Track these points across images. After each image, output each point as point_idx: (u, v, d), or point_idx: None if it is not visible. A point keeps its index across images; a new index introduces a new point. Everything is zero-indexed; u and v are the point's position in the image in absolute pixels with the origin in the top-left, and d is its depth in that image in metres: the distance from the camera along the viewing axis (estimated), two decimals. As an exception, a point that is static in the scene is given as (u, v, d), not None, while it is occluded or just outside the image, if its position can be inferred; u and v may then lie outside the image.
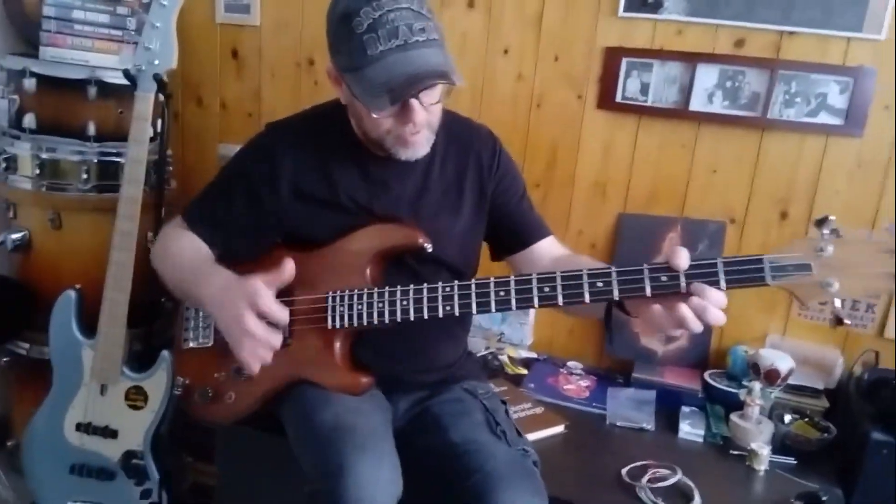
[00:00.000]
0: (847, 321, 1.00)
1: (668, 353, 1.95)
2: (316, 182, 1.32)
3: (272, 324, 1.16)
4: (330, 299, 1.26)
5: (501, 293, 1.14)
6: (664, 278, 1.02)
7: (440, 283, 1.18)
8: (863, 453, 1.47)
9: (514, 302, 1.13)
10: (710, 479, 1.48)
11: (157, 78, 1.66)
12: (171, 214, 1.68)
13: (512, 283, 1.13)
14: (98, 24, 1.94)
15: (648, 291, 1.03)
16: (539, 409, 1.72)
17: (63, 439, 1.69)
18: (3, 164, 1.91)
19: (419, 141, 1.22)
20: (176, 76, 2.21)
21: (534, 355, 2.07)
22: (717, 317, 0.99)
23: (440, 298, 1.18)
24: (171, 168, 2.04)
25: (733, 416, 1.66)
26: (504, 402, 1.42)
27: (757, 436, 1.60)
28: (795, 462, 1.58)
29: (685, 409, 1.76)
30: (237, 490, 1.61)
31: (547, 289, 1.10)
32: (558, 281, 1.10)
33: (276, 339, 1.17)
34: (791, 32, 1.77)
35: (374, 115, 1.16)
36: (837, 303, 0.98)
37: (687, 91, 1.86)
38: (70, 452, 1.69)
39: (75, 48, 1.91)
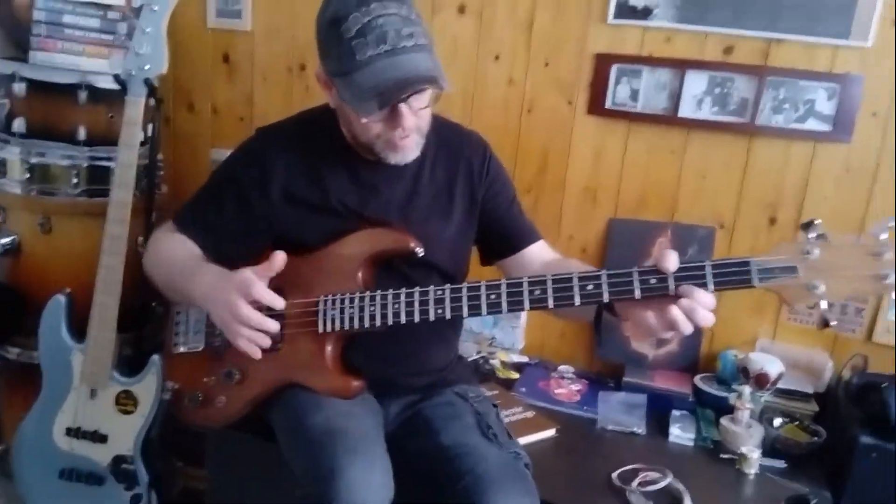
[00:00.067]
0: (833, 323, 1.01)
1: (659, 357, 1.96)
2: (306, 186, 1.32)
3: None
4: (321, 303, 1.26)
5: (492, 296, 1.14)
6: (653, 281, 1.04)
7: (431, 287, 1.19)
8: (851, 457, 1.48)
9: (504, 305, 1.14)
10: (700, 482, 1.49)
11: (147, 83, 1.66)
12: (162, 219, 1.68)
13: (503, 286, 1.14)
14: (89, 28, 1.93)
15: (638, 294, 1.04)
16: (530, 413, 1.73)
17: (52, 444, 1.68)
18: (-7, 169, 1.91)
19: (408, 145, 1.23)
20: (167, 81, 2.22)
21: (525, 359, 2.07)
22: (706, 318, 1.01)
23: (431, 302, 1.18)
24: (161, 172, 2.04)
25: (723, 420, 1.67)
26: (495, 406, 1.43)
27: (747, 439, 1.61)
28: (785, 465, 1.58)
29: (675, 412, 1.76)
30: (228, 494, 1.61)
31: (538, 291, 1.11)
32: (549, 284, 1.10)
33: (273, 325, 1.18)
34: (779, 40, 1.79)
35: (364, 120, 1.17)
36: (824, 305, 0.99)
37: (676, 97, 1.87)
38: (59, 457, 1.68)
39: (66, 52, 1.90)
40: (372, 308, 1.22)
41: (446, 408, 1.36)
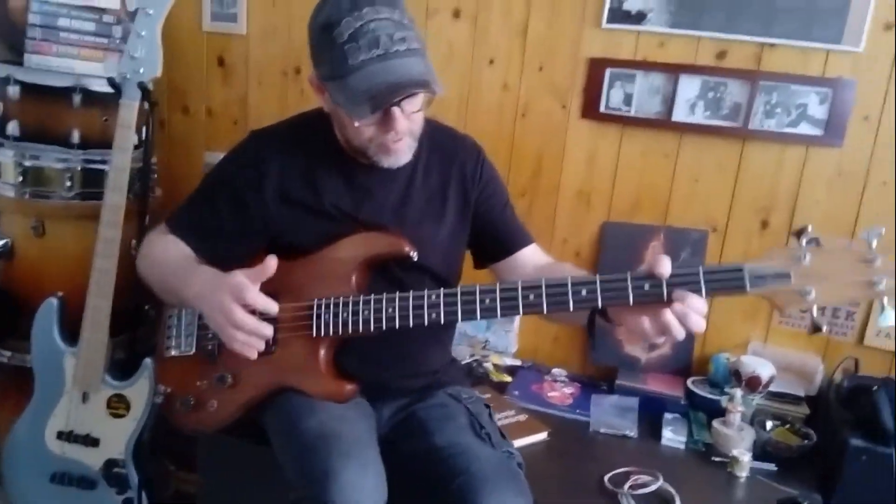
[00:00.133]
0: (825, 329, 1.01)
1: (652, 360, 1.96)
2: (301, 188, 1.33)
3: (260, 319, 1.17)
4: (316, 307, 1.26)
5: (487, 301, 1.14)
6: (647, 286, 1.04)
7: (426, 291, 1.18)
8: (842, 460, 1.49)
9: (499, 310, 1.14)
10: (691, 485, 1.50)
11: (141, 86, 1.66)
12: (156, 222, 1.67)
13: (497, 290, 1.14)
14: (84, 31, 1.94)
15: (631, 299, 1.04)
16: (522, 417, 1.73)
17: (44, 448, 1.68)
18: (-14, 171, 1.91)
19: (401, 148, 1.24)
20: (162, 84, 2.22)
21: (518, 363, 2.08)
22: (698, 323, 1.01)
23: (426, 306, 1.18)
24: (155, 176, 2.04)
25: (715, 423, 1.68)
26: (488, 406, 1.43)
27: (738, 442, 1.61)
28: (776, 468, 1.59)
29: (668, 415, 1.77)
30: (219, 498, 1.60)
31: (532, 296, 1.11)
32: (543, 289, 1.10)
33: (268, 330, 1.18)
34: (772, 44, 1.80)
35: (357, 124, 1.17)
36: (815, 310, 1.00)
37: (669, 101, 1.88)
38: (51, 461, 1.68)
39: (60, 56, 1.91)
40: (366, 312, 1.22)
41: (439, 409, 1.36)
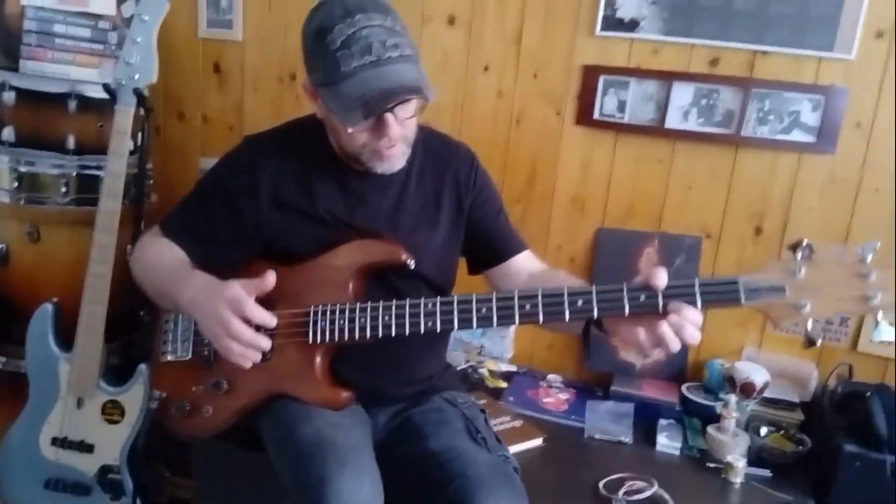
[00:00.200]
0: (819, 343, 1.02)
1: (647, 366, 1.97)
2: (295, 193, 1.33)
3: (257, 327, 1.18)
4: (312, 314, 1.26)
5: (483, 310, 1.14)
6: (642, 297, 1.04)
7: (422, 299, 1.19)
8: (836, 465, 1.49)
9: (495, 319, 1.14)
10: (686, 491, 1.50)
11: (137, 92, 1.66)
12: (151, 228, 1.68)
13: (494, 299, 1.14)
14: (79, 37, 1.94)
15: (627, 310, 1.05)
16: (518, 423, 1.73)
17: (38, 454, 1.67)
18: (-19, 177, 1.90)
19: (395, 154, 1.24)
20: (158, 90, 2.22)
21: (514, 368, 2.08)
22: (693, 335, 1.02)
23: (422, 314, 1.18)
24: (151, 181, 2.04)
25: (710, 429, 1.68)
26: (483, 411, 1.43)
27: (733, 448, 1.61)
28: (771, 474, 1.59)
29: (663, 421, 1.77)
30: (214, 504, 1.60)
31: (528, 306, 1.11)
32: (539, 298, 1.11)
33: (265, 343, 1.19)
34: (764, 52, 1.81)
35: (350, 130, 1.18)
36: (810, 324, 1.00)
37: (663, 108, 1.89)
38: (45, 467, 1.68)
39: (56, 62, 1.91)
40: (363, 320, 1.22)
41: (435, 413, 1.36)
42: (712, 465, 1.61)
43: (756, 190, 1.88)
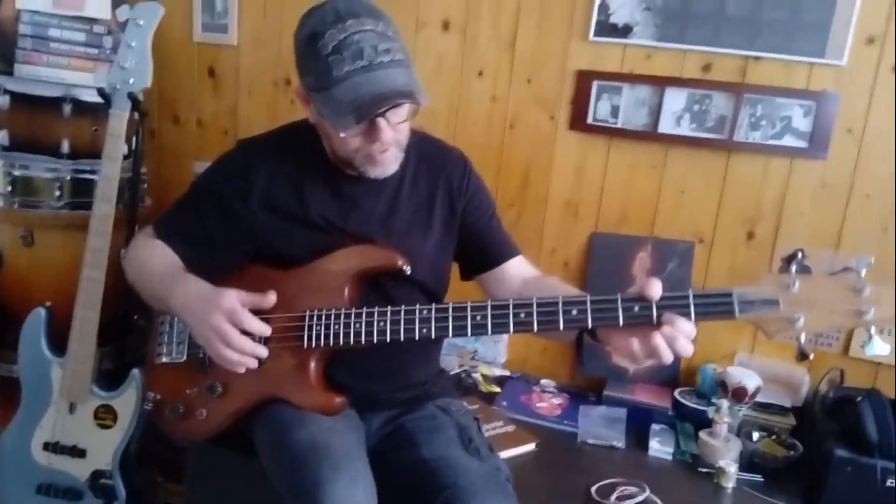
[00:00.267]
0: (811, 357, 1.03)
1: (640, 370, 1.95)
2: (288, 197, 1.33)
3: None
4: (307, 318, 1.26)
5: (478, 318, 1.15)
6: (637, 308, 1.05)
7: (417, 306, 1.19)
8: (827, 470, 1.49)
9: (490, 327, 1.14)
10: (678, 496, 1.50)
11: (131, 96, 1.67)
12: (145, 228, 1.68)
13: (489, 307, 1.14)
14: (74, 42, 1.95)
15: (621, 321, 1.05)
16: (510, 428, 1.73)
17: (30, 459, 1.67)
18: (-25, 181, 1.91)
19: (387, 159, 1.24)
20: (153, 94, 2.22)
21: (507, 373, 2.08)
22: (686, 347, 1.03)
23: (417, 321, 1.18)
24: (145, 185, 2.05)
25: (702, 434, 1.68)
26: (477, 419, 1.43)
27: (725, 453, 1.62)
28: (762, 479, 1.60)
29: (655, 426, 1.77)
30: (207, 509, 1.60)
31: (523, 314, 1.12)
32: (534, 307, 1.11)
33: (263, 352, 1.21)
34: (756, 57, 1.82)
35: (342, 134, 1.18)
36: (803, 337, 1.01)
37: (656, 114, 1.90)
38: (37, 472, 1.68)
39: (51, 66, 1.92)
40: (358, 325, 1.22)
41: (428, 421, 1.36)
42: (704, 469, 1.61)
43: (748, 195, 1.89)
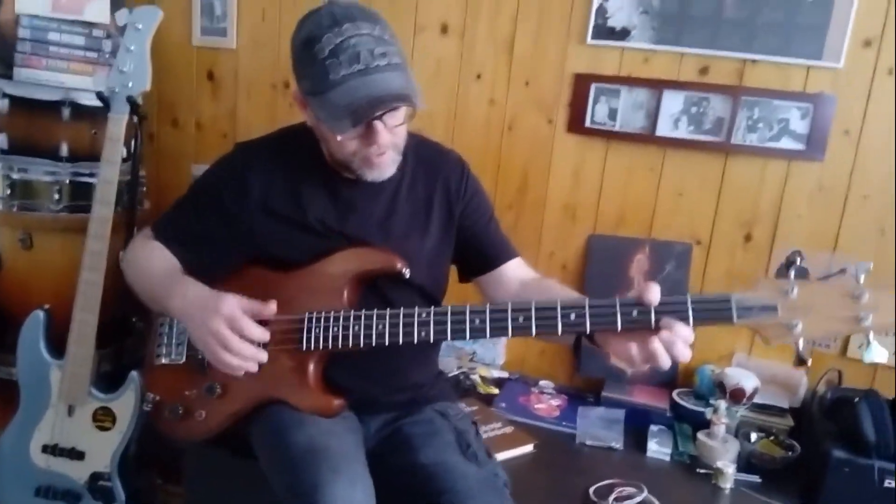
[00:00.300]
0: (809, 362, 1.03)
1: (638, 372, 1.97)
2: (285, 201, 1.33)
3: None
4: (306, 320, 1.26)
5: (476, 321, 1.15)
6: (635, 313, 1.05)
7: (416, 309, 1.19)
8: (824, 471, 1.50)
9: (489, 331, 1.14)
10: (675, 497, 1.50)
11: (130, 100, 1.67)
12: (143, 229, 1.69)
13: (487, 311, 1.15)
14: (73, 45, 1.96)
15: (619, 326, 1.06)
16: (509, 429, 1.74)
17: (29, 461, 1.67)
18: (-26, 184, 1.91)
19: (385, 162, 1.25)
20: (152, 97, 2.23)
21: (506, 375, 2.08)
22: (684, 352, 1.02)
23: (416, 324, 1.19)
24: (144, 189, 2.05)
25: (700, 435, 1.68)
26: (474, 423, 1.43)
27: (723, 454, 1.62)
28: (760, 480, 1.60)
29: (653, 427, 1.78)
30: (205, 511, 1.60)
31: (521, 318, 1.12)
32: (532, 311, 1.12)
33: (264, 357, 1.21)
34: (753, 60, 1.83)
35: (339, 138, 1.18)
36: (801, 343, 1.01)
37: (653, 116, 1.91)
38: (36, 474, 1.67)
39: (50, 69, 1.93)
40: (356, 328, 1.22)
41: (426, 425, 1.36)
42: (702, 470, 1.62)
43: (746, 197, 1.89)
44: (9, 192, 1.87)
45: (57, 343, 1.68)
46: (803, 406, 1.83)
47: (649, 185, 1.97)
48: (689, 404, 1.83)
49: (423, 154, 1.40)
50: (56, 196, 1.89)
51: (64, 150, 1.90)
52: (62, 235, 1.90)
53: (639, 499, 1.46)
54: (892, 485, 1.45)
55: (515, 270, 1.42)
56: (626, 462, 1.65)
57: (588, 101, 1.96)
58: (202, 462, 1.55)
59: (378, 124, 1.17)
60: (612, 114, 1.95)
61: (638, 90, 1.92)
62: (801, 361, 1.02)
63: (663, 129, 1.91)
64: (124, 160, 1.75)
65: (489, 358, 2.12)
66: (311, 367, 1.28)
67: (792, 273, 1.00)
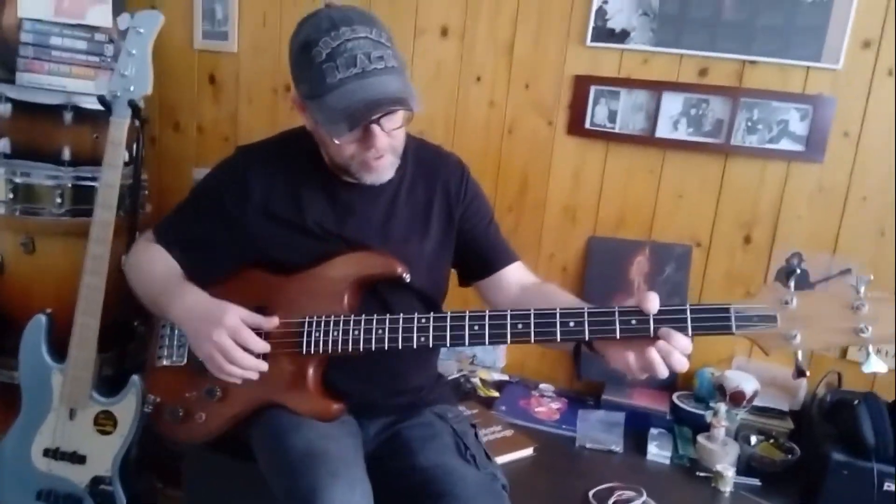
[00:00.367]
0: (808, 374, 1.03)
1: (636, 379, 1.97)
2: (285, 204, 1.34)
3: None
4: (306, 324, 1.27)
5: (476, 328, 1.15)
6: (634, 321, 1.05)
7: (416, 314, 1.19)
8: (824, 474, 1.50)
9: (487, 337, 1.15)
10: (675, 500, 1.51)
11: (132, 104, 1.67)
12: (145, 232, 1.69)
13: (486, 318, 1.15)
14: (75, 50, 1.96)
15: (618, 333, 1.06)
16: (509, 432, 1.74)
17: (30, 465, 1.67)
18: (-23, 188, 1.92)
19: (383, 165, 1.25)
20: (154, 101, 2.24)
21: (506, 378, 2.08)
22: (681, 363, 1.02)
23: (415, 329, 1.19)
24: (145, 192, 2.06)
25: (700, 438, 1.68)
26: (474, 426, 1.44)
27: (723, 457, 1.62)
28: (760, 483, 1.60)
29: (653, 430, 1.78)
30: (206, 514, 1.61)
31: (520, 325, 1.12)
32: (532, 319, 1.12)
33: (265, 367, 1.23)
34: (753, 62, 1.83)
35: (337, 141, 1.19)
36: (800, 354, 1.01)
37: (653, 118, 1.91)
38: (37, 478, 1.68)
39: (52, 74, 1.93)
40: (356, 332, 1.22)
41: (424, 428, 1.36)
42: (702, 474, 1.62)
43: (745, 199, 1.89)
44: (11, 196, 1.88)
45: (58, 347, 1.69)
46: (803, 409, 1.82)
47: (649, 187, 1.97)
48: (688, 407, 1.83)
49: (422, 157, 1.40)
50: (58, 200, 1.89)
51: (66, 154, 1.90)
52: (64, 239, 1.91)
53: (638, 502, 1.47)
54: (892, 488, 1.45)
55: (515, 275, 1.42)
56: (625, 465, 1.66)
57: (588, 102, 1.97)
58: (202, 465, 1.56)
59: (375, 128, 1.17)
60: (612, 116, 1.95)
61: (637, 92, 1.93)
62: (800, 373, 1.02)
63: (663, 131, 1.91)
64: (126, 164, 1.76)
65: (489, 361, 2.12)
66: (311, 370, 1.28)
67: (792, 283, 1.00)
